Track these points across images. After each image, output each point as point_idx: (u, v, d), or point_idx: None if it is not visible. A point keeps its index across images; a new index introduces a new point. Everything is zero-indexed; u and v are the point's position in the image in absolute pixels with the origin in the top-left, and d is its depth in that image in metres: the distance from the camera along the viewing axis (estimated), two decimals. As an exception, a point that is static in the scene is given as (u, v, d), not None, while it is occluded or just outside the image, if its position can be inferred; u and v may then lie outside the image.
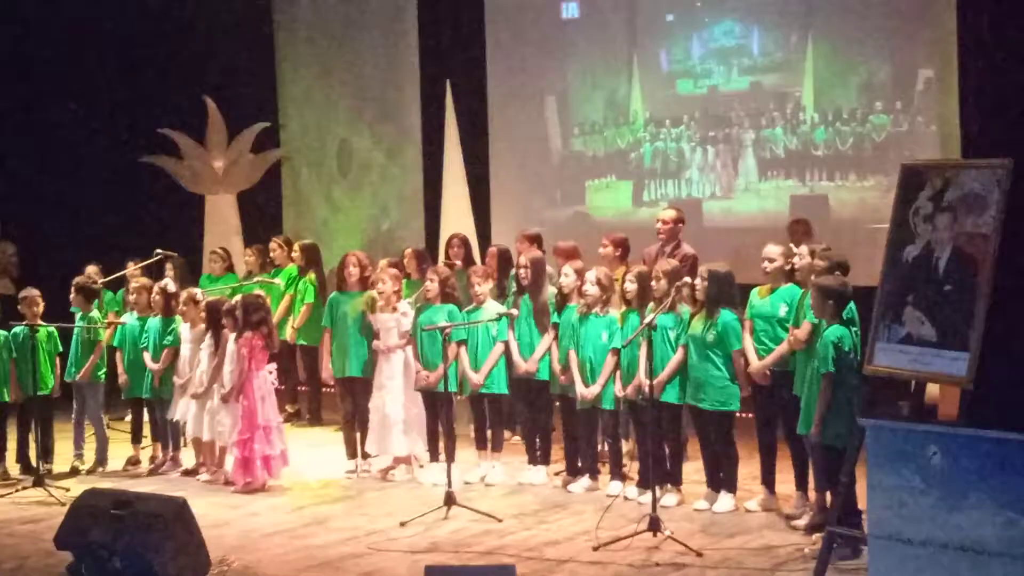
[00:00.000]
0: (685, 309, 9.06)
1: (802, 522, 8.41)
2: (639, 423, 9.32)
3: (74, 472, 10.69)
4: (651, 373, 8.68)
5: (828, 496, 8.11)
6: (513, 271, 10.41)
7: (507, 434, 10.77)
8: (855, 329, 8.03)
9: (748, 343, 8.88)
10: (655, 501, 8.33)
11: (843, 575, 7.24)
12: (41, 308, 10.57)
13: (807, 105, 12.44)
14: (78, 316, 11.05)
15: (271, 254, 13.11)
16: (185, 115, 15.52)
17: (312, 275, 12.73)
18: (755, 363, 8.81)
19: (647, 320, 8.60)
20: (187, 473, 10.55)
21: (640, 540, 8.08)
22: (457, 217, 13.86)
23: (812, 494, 8.56)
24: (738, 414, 8.98)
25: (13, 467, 10.66)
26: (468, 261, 11.97)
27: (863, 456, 6.56)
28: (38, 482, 9.88)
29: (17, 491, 9.90)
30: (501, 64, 14.38)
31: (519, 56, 14.27)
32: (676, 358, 8.99)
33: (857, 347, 7.88)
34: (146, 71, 15.36)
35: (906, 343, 6.60)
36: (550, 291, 9.99)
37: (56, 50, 14.88)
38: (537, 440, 10.06)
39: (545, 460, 10.04)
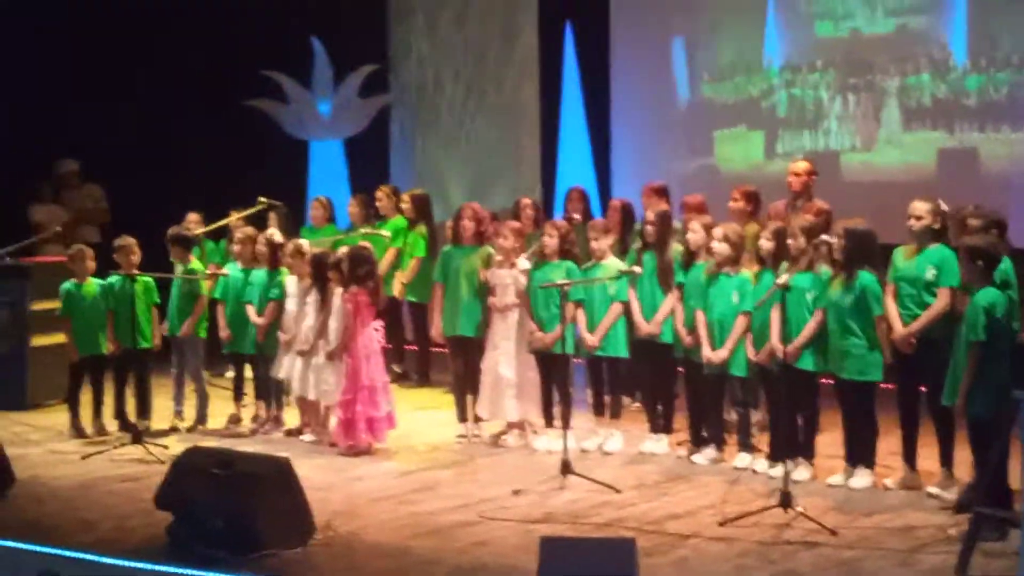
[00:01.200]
0: (824, 270, 8.95)
1: (949, 499, 8.29)
2: (771, 391, 9.25)
3: (173, 429, 10.89)
4: (785, 338, 8.59)
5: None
6: (636, 226, 10.36)
7: (627, 400, 10.74)
8: (1010, 293, 7.86)
9: (891, 308, 8.75)
10: (786, 475, 8.24)
11: (990, 559, 7.12)
12: (138, 257, 10.75)
13: (957, 50, 12.19)
14: (177, 267, 11.22)
15: (377, 204, 13.17)
16: (291, 57, 15.64)
17: (422, 227, 12.76)
18: (899, 330, 8.68)
19: (780, 280, 8.50)
20: (290, 433, 10.69)
21: (769, 516, 8.03)
22: (576, 168, 13.83)
23: (958, 472, 8.44)
24: (880, 384, 8.86)
25: (111, 423, 10.87)
26: (587, 215, 11.95)
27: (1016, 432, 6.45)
28: (136, 439, 10.06)
29: (115, 448, 10.10)
30: (626, 4, 14.26)
31: (644, -5, 14.18)
32: (812, 323, 8.90)
33: (1013, 313, 7.72)
34: (251, 11, 15.46)
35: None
36: (675, 248, 9.94)
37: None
38: (659, 407, 10.03)
39: (667, 429, 10.01)
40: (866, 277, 8.72)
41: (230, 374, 11.59)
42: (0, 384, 11.84)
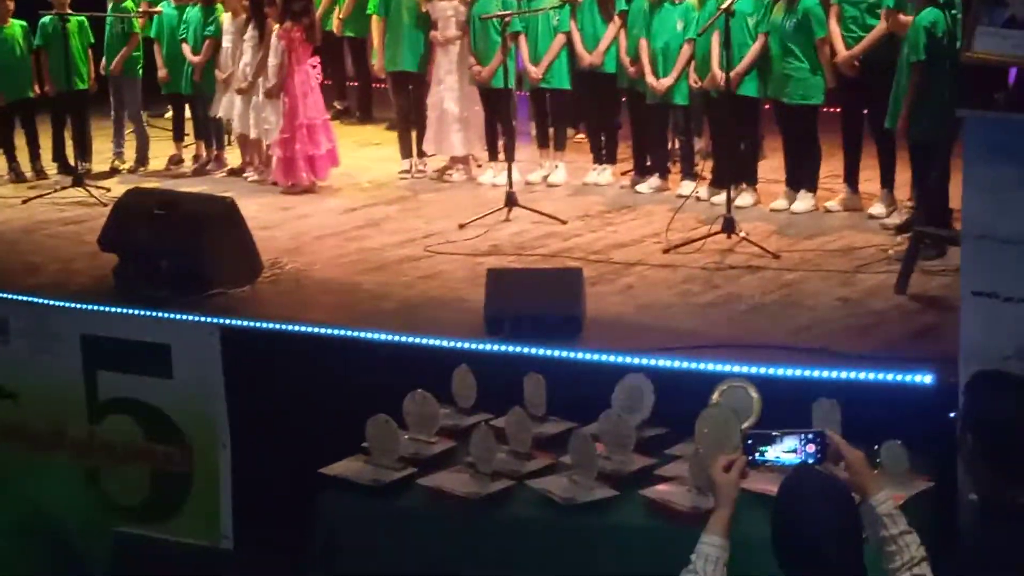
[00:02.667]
0: (766, -7, 8.83)
1: (890, 221, 8.37)
2: (714, 118, 9.21)
3: (114, 171, 10.80)
4: (728, 64, 8.52)
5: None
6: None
7: (570, 132, 10.69)
8: (953, 12, 7.77)
9: (835, 30, 8.65)
10: (729, 201, 8.26)
11: (930, 277, 7.23)
12: (70, -4, 10.48)
13: None
14: (110, 5, 10.93)
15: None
16: None
17: (358, -43, 12.42)
18: (842, 52, 8.61)
19: (724, 6, 8.36)
20: (232, 172, 10.62)
21: (713, 242, 8.08)
22: None
23: (899, 193, 8.50)
24: (822, 108, 8.84)
25: (50, 166, 10.74)
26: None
27: (956, 152, 6.47)
28: (77, 182, 9.97)
29: (56, 191, 10.00)
30: None
31: None
32: (755, 48, 8.81)
33: (956, 32, 7.65)
34: None
35: (1009, 26, 6.38)
36: (617, -24, 9.75)
37: None
38: (603, 138, 9.99)
39: (611, 159, 9.99)
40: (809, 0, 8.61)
41: (169, 115, 11.42)
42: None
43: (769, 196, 9.05)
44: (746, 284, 7.43)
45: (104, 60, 10.82)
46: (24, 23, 10.56)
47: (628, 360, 6.19)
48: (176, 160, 10.93)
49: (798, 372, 5.91)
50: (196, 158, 10.84)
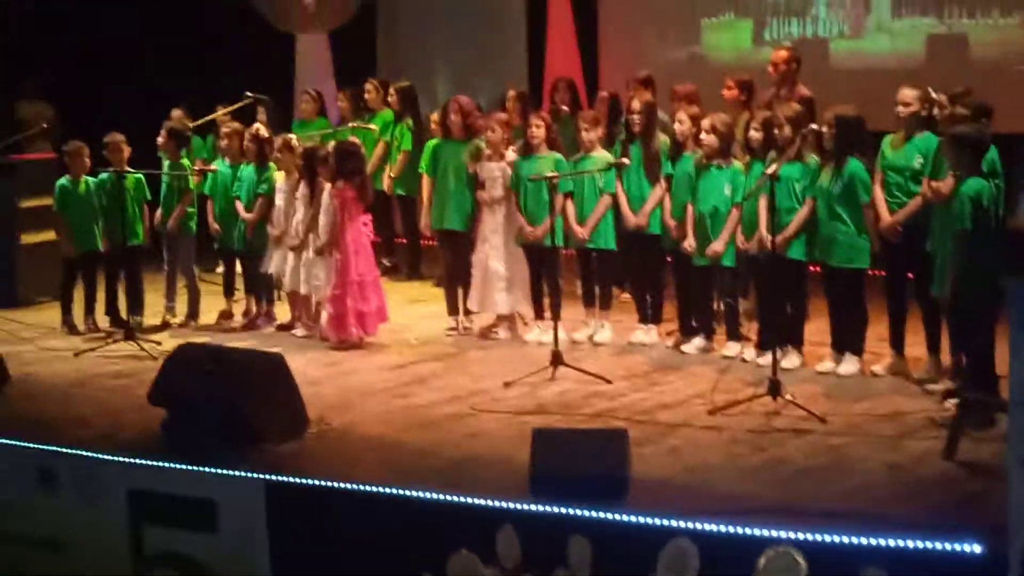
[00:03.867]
0: (812, 158, 8.93)
1: (937, 387, 8.35)
2: (760, 281, 9.27)
3: (165, 325, 10.90)
4: (774, 228, 8.60)
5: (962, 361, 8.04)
6: (623, 117, 10.31)
7: (616, 291, 10.77)
8: (997, 182, 7.85)
9: (879, 196, 8.75)
10: (775, 363, 8.27)
11: (978, 444, 7.18)
12: (127, 154, 10.68)
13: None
14: (165, 163, 11.17)
15: (366, 96, 13.08)
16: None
17: (409, 120, 12.67)
18: (886, 218, 8.69)
19: (769, 170, 8.48)
20: (282, 328, 10.71)
21: (759, 404, 8.09)
22: (562, 59, 13.73)
23: (945, 358, 8.49)
24: (869, 272, 8.88)
25: (102, 319, 10.88)
26: (574, 106, 11.88)
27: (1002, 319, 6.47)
28: (129, 335, 10.08)
29: (107, 344, 10.12)
30: None
31: None
32: (802, 212, 8.88)
33: (999, 201, 7.72)
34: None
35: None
36: (662, 139, 9.90)
37: None
38: (648, 298, 10.06)
39: (656, 319, 10.04)
40: (855, 164, 8.70)
41: (220, 270, 11.58)
42: (-9, 282, 11.85)
43: (815, 358, 9.05)
44: (793, 447, 7.41)
45: (159, 215, 11.00)
46: (97, 179, 10.78)
47: (674, 523, 6.16)
48: (226, 315, 11.05)
49: (845, 539, 5.85)
50: (246, 313, 10.95)
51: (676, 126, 9.68)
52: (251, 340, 10.12)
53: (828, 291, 9.02)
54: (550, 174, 9.58)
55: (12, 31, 14.38)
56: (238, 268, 11.09)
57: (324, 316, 10.25)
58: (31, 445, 7.83)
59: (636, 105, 9.91)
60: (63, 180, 10.82)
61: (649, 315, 10.02)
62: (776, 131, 9.02)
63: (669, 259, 9.94)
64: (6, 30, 14.33)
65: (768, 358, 8.45)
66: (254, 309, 10.93)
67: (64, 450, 7.69)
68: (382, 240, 12.58)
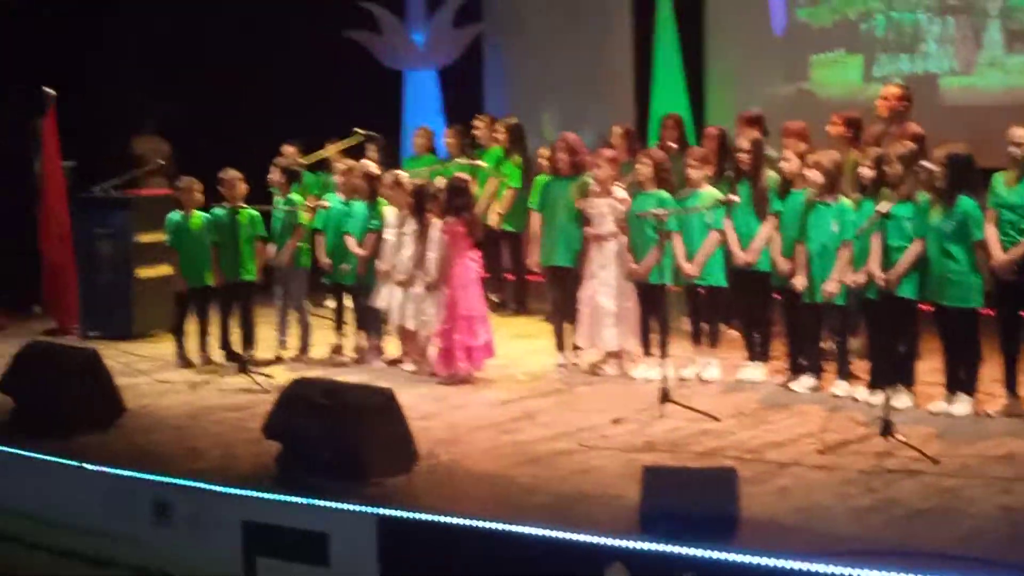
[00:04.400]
0: (923, 197, 8.85)
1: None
2: (871, 319, 9.19)
3: (277, 359, 11.05)
4: (885, 266, 8.53)
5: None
6: (731, 154, 10.30)
7: (724, 329, 10.73)
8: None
9: (991, 234, 8.65)
10: (887, 403, 8.20)
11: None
12: (242, 190, 10.85)
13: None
14: (277, 199, 11.34)
15: (475, 133, 13.20)
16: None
17: (517, 157, 12.78)
18: (999, 256, 8.58)
19: (881, 208, 8.42)
20: (391, 363, 10.81)
21: (870, 444, 8.01)
22: (670, 95, 13.74)
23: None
24: (981, 311, 8.78)
25: (216, 353, 11.05)
26: (682, 143, 11.89)
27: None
28: (242, 369, 10.24)
29: (221, 377, 10.27)
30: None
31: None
32: (912, 250, 8.81)
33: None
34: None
35: None
36: (771, 176, 9.88)
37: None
38: (756, 335, 10.02)
39: (765, 357, 10.00)
40: (967, 202, 8.62)
41: (331, 304, 11.71)
42: (107, 314, 12.10)
43: (926, 398, 8.95)
44: (905, 489, 7.32)
45: (271, 250, 11.16)
46: (208, 215, 10.99)
47: (783, 563, 6.12)
48: (337, 349, 11.17)
49: (959, 583, 5.80)
50: (356, 348, 11.07)
51: (784, 163, 9.66)
52: (361, 375, 10.21)
53: (940, 330, 8.92)
54: (658, 211, 9.59)
55: (129, 69, 14.68)
56: (348, 303, 11.21)
57: (433, 351, 10.33)
58: (147, 476, 7.97)
59: (745, 143, 9.91)
60: (175, 215, 11.03)
61: (758, 352, 9.98)
62: (887, 168, 8.95)
63: (777, 296, 9.89)
64: (123, 67, 14.63)
65: (879, 397, 8.39)
66: (364, 344, 11.04)
67: (179, 482, 7.82)
68: (490, 276, 12.63)
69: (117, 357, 10.85)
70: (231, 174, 10.87)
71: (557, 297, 10.69)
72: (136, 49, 14.66)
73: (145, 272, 12.02)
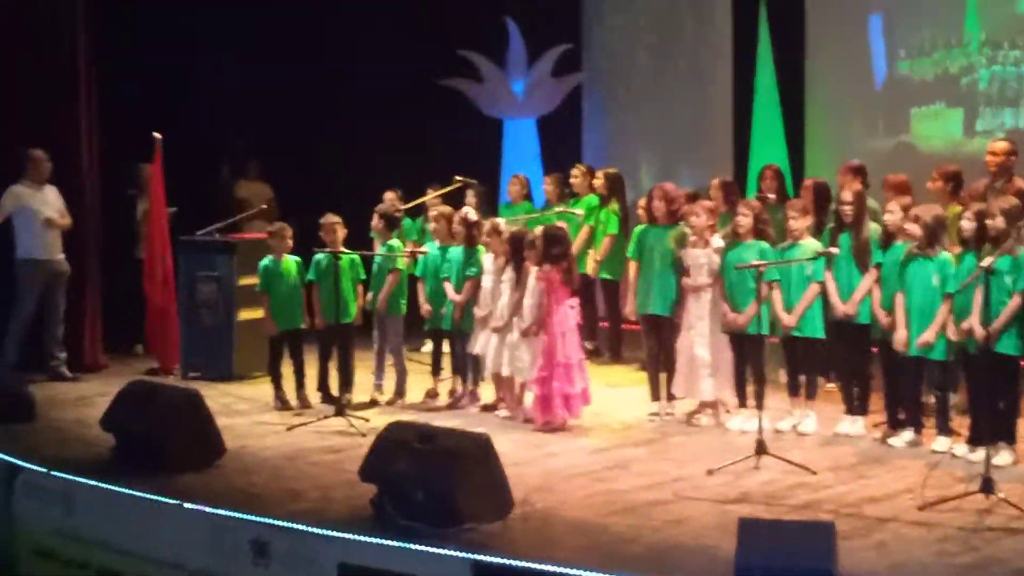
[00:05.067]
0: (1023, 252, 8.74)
1: None
2: (972, 375, 9.07)
3: (373, 402, 11.12)
4: (985, 321, 8.42)
5: None
6: (832, 206, 10.24)
7: (821, 381, 10.65)
8: None
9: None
10: (987, 459, 8.06)
11: None
12: (342, 235, 10.97)
13: None
14: (377, 244, 11.44)
15: (572, 181, 13.25)
16: (485, 37, 15.78)
17: (615, 205, 12.81)
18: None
19: (984, 263, 8.31)
20: (486, 408, 10.84)
21: (970, 501, 7.87)
22: (768, 147, 13.70)
23: None
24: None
25: (313, 395, 11.15)
26: (781, 194, 11.85)
27: None
28: (339, 411, 10.30)
29: (319, 420, 10.36)
30: (822, -21, 14.10)
31: (842, -29, 13.97)
32: (1012, 305, 8.68)
33: None
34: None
35: None
36: (872, 228, 9.81)
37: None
38: (855, 388, 9.92)
39: (863, 410, 9.90)
40: (1070, 260, 8.51)
41: (427, 348, 11.78)
42: (209, 356, 12.26)
43: (1028, 456, 8.82)
44: (1006, 547, 7.18)
45: (371, 295, 11.25)
46: (299, 259, 11.12)
47: (882, 621, 6.05)
48: (432, 394, 11.22)
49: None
50: (452, 393, 11.11)
51: (887, 216, 9.58)
52: (456, 420, 10.24)
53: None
54: (757, 262, 9.55)
55: (232, 115, 14.93)
56: (445, 348, 11.26)
57: (529, 397, 10.35)
58: (245, 517, 8.04)
59: (847, 195, 9.85)
60: (266, 260, 11.14)
61: (856, 406, 9.88)
62: (989, 223, 8.86)
63: (876, 349, 9.80)
64: (227, 114, 14.89)
65: (980, 454, 8.26)
66: (460, 389, 11.08)
67: (277, 523, 7.88)
68: (584, 323, 12.63)
69: (217, 398, 10.98)
70: (331, 219, 10.99)
71: (653, 346, 10.67)
72: (240, 95, 14.90)
73: (246, 314, 12.16)
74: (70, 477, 8.93)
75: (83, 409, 10.98)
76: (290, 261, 11.13)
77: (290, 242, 11.15)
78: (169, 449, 9.03)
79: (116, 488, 8.68)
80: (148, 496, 8.48)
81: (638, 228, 10.98)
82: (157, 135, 12.23)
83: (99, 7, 12.99)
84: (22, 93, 12.52)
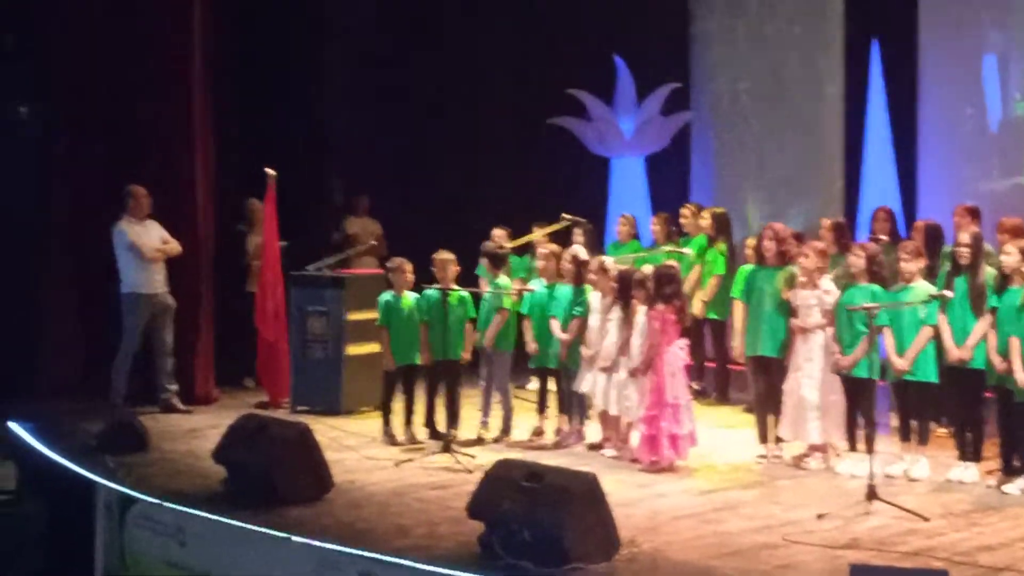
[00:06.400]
0: None
1: None
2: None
3: (479, 440, 11.13)
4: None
5: None
6: (944, 248, 10.11)
7: (934, 426, 10.48)
8: None
9: None
10: (1106, 510, 7.93)
11: None
12: (453, 272, 11.02)
13: None
14: (485, 281, 11.47)
15: (681, 221, 13.22)
16: (593, 75, 15.82)
17: (722, 245, 12.76)
18: None
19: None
20: (592, 447, 10.81)
21: (1088, 552, 7.73)
22: (880, 188, 13.57)
23: None
24: None
25: (420, 431, 11.20)
26: (894, 236, 11.73)
27: None
28: (446, 448, 10.34)
29: (426, 456, 10.40)
30: (935, 19, 13.93)
31: (955, 11, 13.81)
32: None
33: None
34: (555, 30, 15.69)
35: None
36: (988, 272, 9.67)
37: (464, 10, 15.44)
38: (968, 434, 9.76)
39: (976, 457, 9.73)
40: None
41: (532, 386, 11.78)
42: (318, 390, 12.36)
43: None
44: None
45: (478, 333, 11.28)
46: (418, 295, 11.19)
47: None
48: (538, 432, 11.22)
49: None
50: (558, 431, 11.10)
51: (1003, 258, 9.43)
52: (563, 458, 10.19)
53: None
54: (869, 305, 9.45)
55: (343, 152, 15.11)
56: (551, 386, 11.25)
57: (635, 436, 10.31)
58: (352, 551, 8.08)
59: (964, 237, 9.72)
60: (386, 295, 11.25)
61: (969, 452, 9.72)
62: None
63: (991, 395, 9.63)
64: (338, 151, 15.07)
65: (1099, 504, 8.09)
66: (566, 427, 11.07)
67: (384, 557, 7.90)
68: (693, 363, 12.58)
69: (325, 432, 11.06)
70: (444, 256, 11.05)
71: (761, 388, 10.58)
72: (351, 133, 15.07)
73: (354, 350, 12.26)
74: (182, 508, 9.04)
75: (195, 441, 11.12)
76: (409, 297, 11.21)
77: (410, 277, 11.22)
78: (279, 483, 9.12)
79: (227, 520, 8.77)
80: (257, 529, 8.56)
81: (745, 268, 10.92)
82: (271, 171, 12.38)
83: (217, 45, 13.21)
84: (140, 133, 12.76)
